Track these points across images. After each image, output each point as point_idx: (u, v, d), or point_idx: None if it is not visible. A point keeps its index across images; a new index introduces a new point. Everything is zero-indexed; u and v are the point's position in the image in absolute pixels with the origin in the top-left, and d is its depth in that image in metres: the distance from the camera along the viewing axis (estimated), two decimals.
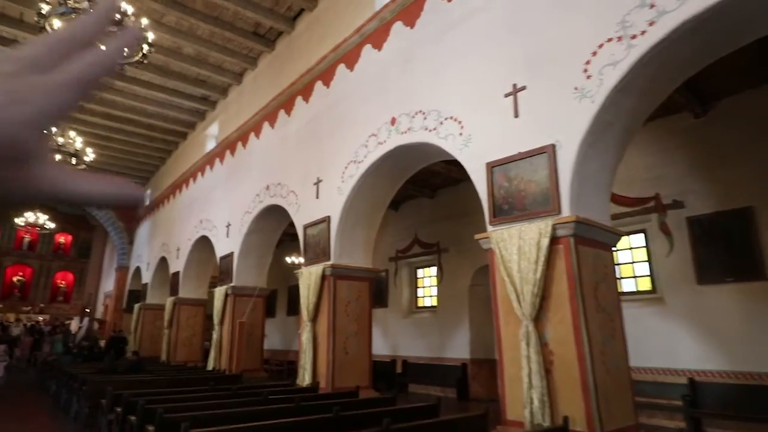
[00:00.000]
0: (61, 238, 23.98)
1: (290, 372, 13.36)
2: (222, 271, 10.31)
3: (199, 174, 12.82)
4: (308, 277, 7.08)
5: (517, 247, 4.26)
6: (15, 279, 22.79)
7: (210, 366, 9.75)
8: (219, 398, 5.25)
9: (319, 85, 7.99)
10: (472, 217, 9.72)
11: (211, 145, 12.28)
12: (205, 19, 9.04)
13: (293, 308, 16.04)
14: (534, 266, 4.12)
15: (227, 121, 11.59)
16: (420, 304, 12.01)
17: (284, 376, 12.49)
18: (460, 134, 5.11)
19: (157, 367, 10.34)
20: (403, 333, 11.65)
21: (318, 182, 7.43)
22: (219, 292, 10.01)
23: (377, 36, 6.74)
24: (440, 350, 10.57)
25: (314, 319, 6.91)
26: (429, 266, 11.83)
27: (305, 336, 6.89)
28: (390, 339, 11.92)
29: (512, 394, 4.23)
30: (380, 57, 6.67)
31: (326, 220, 7.03)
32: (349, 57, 7.26)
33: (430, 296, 11.77)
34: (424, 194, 11.34)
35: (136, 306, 15.46)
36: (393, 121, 6.13)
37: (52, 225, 15.65)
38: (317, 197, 7.41)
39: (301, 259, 7.63)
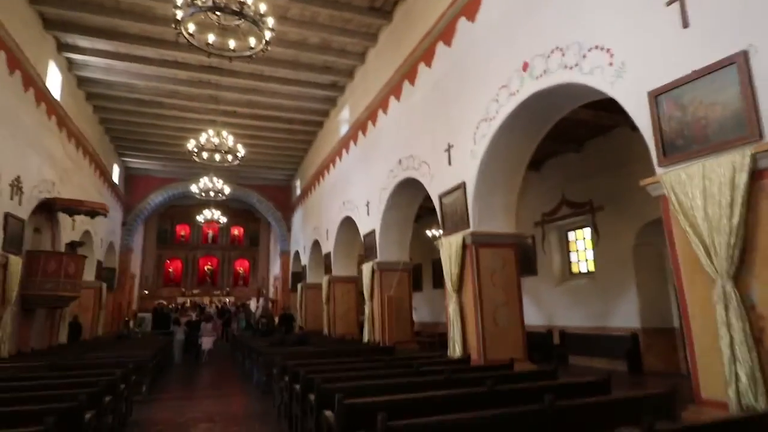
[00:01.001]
0: (235, 231, 27.59)
1: (441, 344, 13.42)
2: (367, 248, 10.68)
3: (337, 158, 13.42)
4: (449, 248, 6.84)
5: (701, 189, 3.42)
6: (206, 268, 26.98)
7: (365, 338, 10.23)
8: (373, 369, 5.35)
9: (440, 46, 7.57)
10: (631, 166, 8.46)
11: (344, 129, 12.72)
12: (324, 5, 9.22)
13: (439, 281, 16.07)
14: (728, 211, 3.26)
15: (356, 103, 11.84)
16: (574, 270, 10.97)
17: (435, 348, 12.60)
18: (610, 64, 4.28)
19: (320, 339, 11.22)
20: (558, 302, 10.80)
21: (449, 148, 7.09)
22: (366, 268, 10.39)
23: None
24: (602, 319, 9.53)
25: (459, 290, 6.67)
26: (581, 228, 10.71)
27: (452, 307, 6.70)
28: (543, 308, 11.15)
29: (708, 369, 3.46)
30: None
31: (461, 186, 6.67)
32: (469, 7, 6.69)
33: (585, 261, 10.66)
34: (568, 149, 10.21)
35: (299, 286, 17.06)
36: (525, 67, 5.47)
37: (224, 219, 17.95)
38: (450, 164, 7.08)
39: (441, 231, 7.43)
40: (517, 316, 6.44)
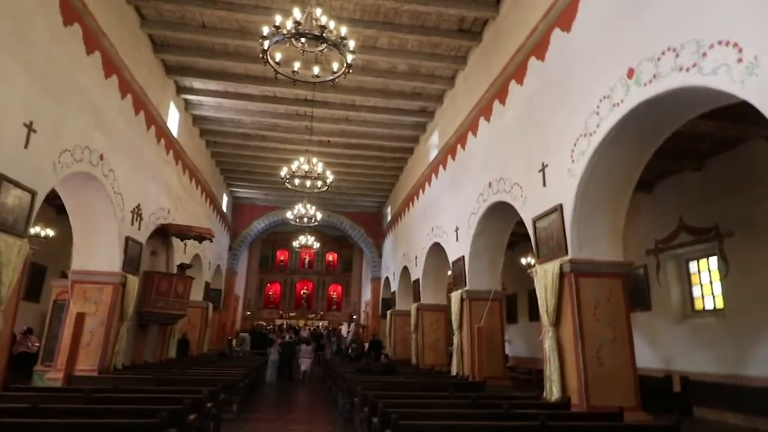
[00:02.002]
0: (330, 257, 28.52)
1: (539, 382, 12.35)
2: (455, 276, 10.25)
3: (426, 184, 13.27)
4: (543, 276, 6.24)
5: None
6: (302, 292, 28.09)
7: (453, 371, 9.69)
8: (457, 407, 4.94)
9: (532, 61, 7.15)
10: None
11: (433, 153, 12.58)
12: (412, 31, 9.28)
13: (535, 313, 14.96)
14: None
15: (445, 127, 11.67)
16: (698, 306, 9.51)
17: (532, 387, 11.60)
18: (739, 60, 3.62)
19: (407, 369, 10.88)
20: (678, 342, 9.40)
21: (543, 168, 6.56)
22: (455, 296, 9.95)
23: None
24: (736, 365, 8.07)
25: (557, 324, 6.02)
26: (705, 257, 9.32)
27: (548, 343, 6.05)
28: (660, 349, 9.78)
29: None
30: (604, 1, 5.48)
31: (557, 209, 6.09)
32: (564, 16, 6.24)
33: (712, 295, 9.19)
34: (686, 167, 9.03)
35: (388, 312, 16.94)
36: (630, 73, 4.88)
37: (317, 245, 18.58)
38: (544, 185, 6.54)
39: (535, 259, 6.84)
40: (626, 356, 5.61)
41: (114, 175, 8.31)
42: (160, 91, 10.59)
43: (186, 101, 12.47)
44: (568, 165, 5.94)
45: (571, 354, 5.70)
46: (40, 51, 5.96)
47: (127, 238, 8.99)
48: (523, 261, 13.77)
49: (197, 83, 11.66)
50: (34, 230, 11.77)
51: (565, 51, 6.27)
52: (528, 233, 7.08)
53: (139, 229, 9.61)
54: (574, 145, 5.84)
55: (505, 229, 9.18)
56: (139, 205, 9.58)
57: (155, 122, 10.29)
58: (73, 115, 6.85)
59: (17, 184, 5.53)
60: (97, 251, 8.58)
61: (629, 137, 5.35)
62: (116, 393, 5.03)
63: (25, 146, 5.72)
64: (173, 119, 11.70)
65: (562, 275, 5.94)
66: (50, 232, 12.37)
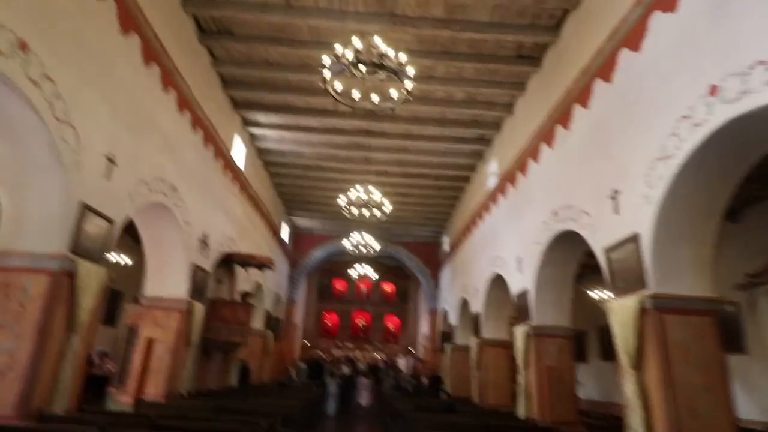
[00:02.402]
0: (387, 287, 28.36)
1: (615, 430, 11.30)
2: (519, 310, 9.73)
3: (485, 213, 12.92)
4: (620, 312, 5.73)
5: None
6: (359, 322, 28.01)
7: (520, 413, 9.06)
8: None
9: (598, 83, 6.82)
10: None
11: (492, 182, 12.28)
12: (469, 59, 9.23)
13: (608, 352, 13.87)
14: None
15: (504, 154, 11.39)
16: None
17: None
18: None
19: (468, 408, 10.33)
20: None
21: (615, 194, 6.13)
22: (519, 332, 9.41)
23: None
24: None
25: (638, 367, 5.45)
26: None
27: (630, 388, 5.47)
28: (758, 399, 8.66)
29: None
30: (676, 18, 5.14)
31: (633, 238, 5.62)
32: (632, 36, 5.93)
33: None
34: None
35: (447, 346, 16.38)
36: (713, 91, 4.48)
37: (375, 275, 18.50)
38: (616, 212, 6.09)
39: (608, 293, 6.33)
40: (724, 406, 4.94)
41: (184, 205, 8.74)
42: (227, 125, 11.18)
43: (251, 134, 13.07)
44: (644, 191, 5.50)
45: (659, 402, 5.10)
46: (122, 89, 6.46)
47: (195, 266, 9.35)
48: (593, 294, 12.91)
49: (262, 117, 12.22)
50: (112, 257, 12.62)
51: (635, 71, 5.92)
52: (598, 264, 6.59)
53: (205, 258, 9.99)
54: (650, 169, 5.41)
55: (573, 260, 8.64)
56: (206, 234, 9.99)
57: (223, 155, 10.82)
58: (149, 148, 7.32)
59: (98, 213, 5.91)
60: (167, 278, 8.97)
61: (714, 160, 4.88)
62: (179, 420, 5.09)
63: (106, 177, 6.13)
64: (239, 152, 12.28)
65: (642, 311, 5.42)
66: (127, 260, 13.18)
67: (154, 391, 8.14)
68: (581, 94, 7.31)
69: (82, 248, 5.60)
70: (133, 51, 6.75)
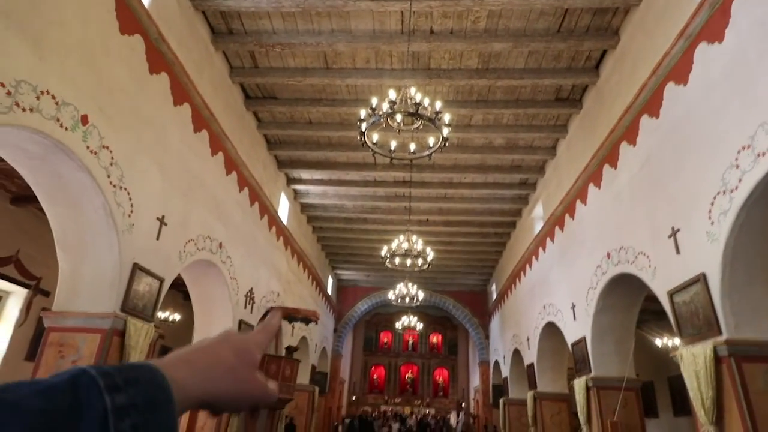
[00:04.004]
0: (434, 338, 27.48)
1: None
2: (577, 360, 9.07)
3: (534, 258, 12.45)
4: (692, 362, 5.19)
5: None
6: (407, 376, 27.04)
7: None
8: None
9: (644, 119, 6.60)
10: None
11: (538, 226, 11.90)
12: (507, 105, 9.24)
13: (681, 406, 12.62)
14: None
15: (549, 197, 11.08)
16: None
17: None
18: None
19: None
20: None
21: (674, 233, 5.73)
22: (578, 384, 8.72)
23: (713, 25, 5.11)
24: None
25: (719, 422, 4.85)
26: None
27: None
28: None
29: None
30: (724, 47, 4.95)
31: (699, 279, 5.17)
32: (678, 70, 5.75)
33: None
34: None
35: (501, 401, 15.42)
36: None
37: (420, 325, 18.00)
38: (678, 252, 5.67)
39: (676, 340, 5.79)
40: None
41: (230, 261, 8.94)
42: (272, 183, 11.57)
43: (295, 191, 13.45)
44: (707, 227, 5.11)
45: None
46: (173, 155, 6.84)
47: (241, 321, 9.41)
48: (658, 342, 11.93)
49: (304, 174, 12.59)
50: (163, 314, 12.97)
51: (683, 104, 5.69)
52: (657, 309, 6.09)
53: (251, 312, 10.05)
54: (712, 204, 5.05)
55: (633, 305, 8.06)
56: (251, 289, 10.11)
57: (268, 211, 11.12)
58: (197, 208, 7.62)
59: (148, 272, 6.11)
60: (215, 334, 9.02)
61: None
62: None
63: (157, 238, 6.38)
64: (283, 208, 12.60)
65: (717, 360, 4.88)
66: (177, 317, 13.50)
67: None
68: (627, 132, 7.08)
69: (132, 307, 5.75)
70: (185, 119, 7.20)
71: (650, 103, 6.41)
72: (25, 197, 8.58)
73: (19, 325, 9.30)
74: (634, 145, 6.90)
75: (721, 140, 4.93)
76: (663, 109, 6.13)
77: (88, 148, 5.07)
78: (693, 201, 5.39)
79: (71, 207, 5.41)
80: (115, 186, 5.51)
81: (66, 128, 4.75)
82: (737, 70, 4.76)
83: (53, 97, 4.58)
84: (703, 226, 5.16)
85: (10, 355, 9.15)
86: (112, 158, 5.46)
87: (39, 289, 9.46)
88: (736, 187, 4.66)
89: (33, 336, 9.17)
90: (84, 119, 4.98)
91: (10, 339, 9.26)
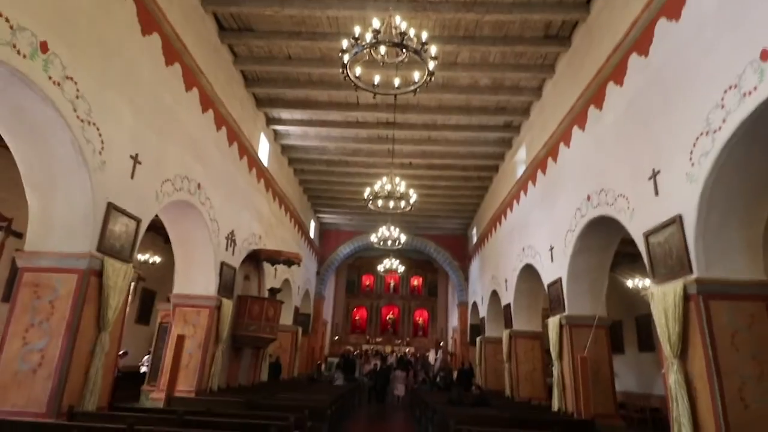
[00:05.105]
0: (415, 281, 28.15)
1: (655, 423, 10.89)
2: (552, 300, 9.40)
3: (515, 202, 12.56)
4: (662, 299, 5.39)
5: None
6: (388, 317, 27.89)
7: (555, 406, 8.77)
8: None
9: (633, 58, 6.44)
10: None
11: (521, 170, 11.91)
12: (494, 42, 8.92)
13: (645, 342, 13.37)
14: None
15: (533, 140, 11.01)
16: None
17: (647, 428, 10.18)
18: None
19: (500, 401, 10.08)
20: None
21: (654, 175, 5.77)
22: (552, 322, 9.09)
23: None
24: None
25: (682, 355, 5.13)
26: None
27: (672, 378, 5.16)
28: None
29: None
30: None
31: (675, 220, 5.27)
32: (671, 4, 5.55)
33: None
34: None
35: (478, 339, 16.10)
36: (765, 55, 4.11)
37: (402, 268, 18.34)
38: (656, 194, 5.73)
39: (646, 281, 5.98)
40: None
41: (210, 203, 8.77)
42: (251, 123, 11.19)
43: (275, 131, 13.08)
44: (687, 169, 5.14)
45: (705, 393, 4.78)
46: (144, 89, 6.48)
47: (222, 263, 9.40)
48: (629, 284, 12.41)
49: (284, 113, 12.19)
50: (144, 257, 12.87)
51: (674, 42, 5.54)
52: (632, 252, 6.24)
53: (233, 255, 10.03)
54: (694, 145, 5.04)
55: (609, 247, 8.27)
56: (233, 231, 10.03)
57: (247, 152, 10.83)
58: (173, 147, 7.34)
59: (124, 212, 5.95)
60: (195, 276, 9.04)
61: (766, 131, 4.50)
62: (208, 416, 5.06)
63: (131, 177, 6.17)
64: (263, 149, 12.29)
65: (686, 298, 5.08)
66: (158, 259, 13.43)
67: (185, 387, 8.23)
68: (615, 71, 6.94)
69: (109, 247, 5.64)
70: (154, 51, 6.76)
71: (640, 40, 6.23)
72: None
73: None
74: (621, 85, 6.78)
75: (708, 80, 4.85)
76: (653, 47, 5.98)
77: (50, 78, 4.73)
78: (675, 142, 5.38)
79: (37, 142, 5.14)
80: (82, 120, 5.22)
81: (24, 55, 4.40)
82: (731, 5, 4.60)
83: (7, 20, 4.20)
84: (684, 167, 5.19)
85: None
86: (78, 90, 5.13)
87: (11, 230, 9.22)
88: (720, 128, 4.64)
89: (8, 277, 9.03)
90: (43, 46, 4.62)
91: None
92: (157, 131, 6.84)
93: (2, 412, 4.69)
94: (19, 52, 4.33)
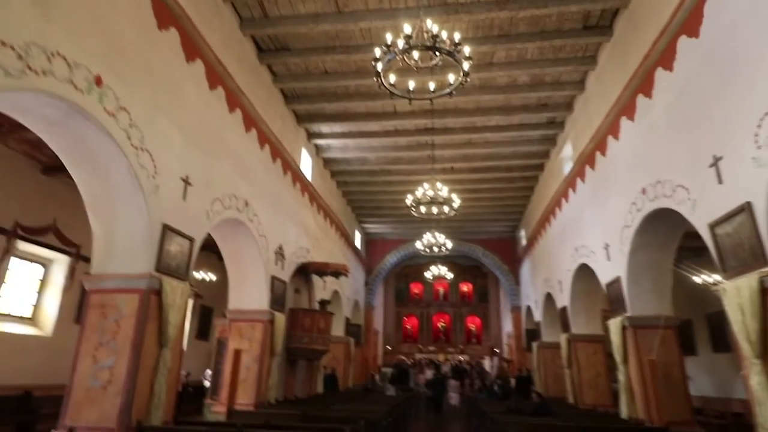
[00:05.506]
0: (465, 287, 27.68)
1: (739, 429, 10.03)
2: (612, 301, 8.93)
3: (563, 200, 12.12)
4: (737, 294, 4.98)
5: None
6: (439, 325, 27.55)
7: (623, 414, 8.28)
8: None
9: (683, 40, 6.08)
10: None
11: (568, 167, 11.49)
12: (531, 38, 8.69)
13: (720, 342, 12.45)
14: None
15: (578, 136, 10.61)
16: None
17: None
18: None
19: (563, 409, 9.65)
20: None
21: (716, 161, 5.38)
22: (614, 325, 8.63)
23: None
24: None
25: (764, 355, 4.70)
26: None
27: (755, 380, 4.74)
28: None
29: None
30: None
31: (744, 208, 4.88)
32: None
33: None
34: None
35: (534, 345, 15.57)
36: None
37: (450, 275, 18.10)
38: (720, 182, 5.34)
39: (715, 276, 5.56)
40: None
41: (258, 219, 9.02)
42: (293, 139, 11.46)
43: (316, 146, 13.32)
44: (753, 153, 4.75)
45: None
46: (191, 114, 6.77)
47: (273, 277, 9.61)
48: (698, 279, 11.63)
49: (324, 127, 12.40)
50: (200, 275, 13.40)
51: (727, 19, 5.18)
52: (697, 246, 5.83)
53: (282, 269, 10.24)
54: (758, 126, 4.66)
55: (671, 242, 7.78)
56: (281, 246, 10.25)
57: (290, 168, 11.09)
58: (220, 167, 7.62)
59: (178, 233, 6.20)
60: (248, 291, 9.29)
61: None
62: (266, 429, 5.14)
63: (183, 198, 6.44)
64: (306, 164, 12.54)
65: (764, 291, 4.67)
66: (213, 277, 13.94)
67: (244, 400, 8.42)
68: (663, 57, 6.57)
69: (166, 267, 5.89)
70: (199, 76, 7.07)
71: (689, 21, 5.88)
72: (56, 167, 8.75)
73: (66, 290, 9.77)
74: (671, 70, 6.41)
75: None
76: (703, 27, 5.62)
77: (105, 110, 5.03)
78: (737, 125, 5.00)
79: (96, 171, 5.46)
80: (136, 148, 5.51)
81: (81, 90, 4.71)
82: None
83: (64, 58, 4.51)
84: (749, 151, 4.80)
85: (62, 319, 9.69)
86: (131, 119, 5.42)
87: (80, 255, 9.84)
88: None
89: (80, 300, 9.63)
90: (98, 80, 4.92)
91: (60, 304, 9.77)
92: (204, 153, 7.12)
93: (78, 428, 4.97)
94: (76, 88, 4.64)
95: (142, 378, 5.33)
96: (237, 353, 8.62)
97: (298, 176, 11.63)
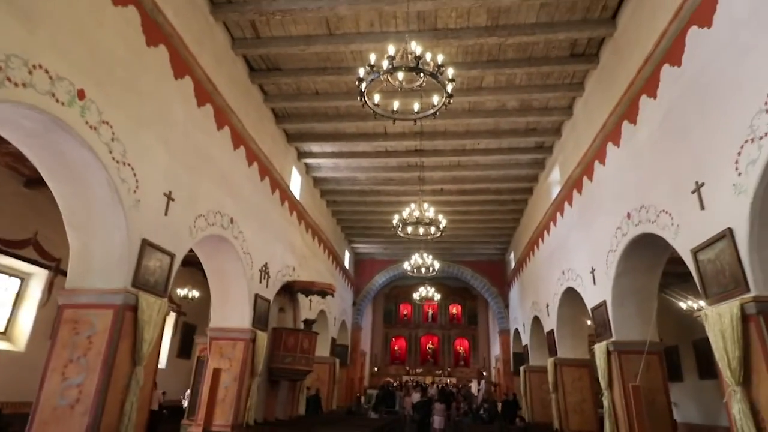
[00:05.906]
0: (454, 309, 27.51)
1: None
2: (597, 325, 8.89)
3: (551, 224, 12.17)
4: (717, 321, 4.96)
5: None
6: (428, 347, 27.25)
7: None
8: None
9: (666, 69, 6.20)
10: None
11: (556, 190, 11.57)
12: (519, 64, 8.83)
13: (706, 369, 12.39)
14: None
15: (566, 160, 10.71)
16: None
17: None
18: None
19: None
20: None
21: (698, 188, 5.42)
22: (599, 349, 8.56)
23: None
24: None
25: (746, 383, 4.66)
26: None
27: (735, 408, 4.68)
28: None
29: None
30: None
31: (725, 234, 4.90)
32: (701, 11, 5.34)
33: None
34: None
35: (521, 368, 15.41)
36: None
37: (438, 296, 17.98)
38: (702, 208, 5.37)
39: (700, 302, 5.55)
40: None
41: (243, 236, 8.92)
42: (282, 158, 11.45)
43: (307, 165, 13.32)
44: (734, 179, 4.80)
45: None
46: (177, 130, 6.74)
47: (256, 296, 9.46)
48: (683, 305, 11.64)
49: (315, 147, 12.42)
50: (183, 292, 13.17)
51: (708, 49, 5.30)
52: (684, 271, 5.83)
53: (266, 287, 10.10)
54: (739, 154, 4.72)
55: (655, 267, 7.79)
56: (266, 264, 10.13)
57: (279, 186, 11.04)
58: (205, 183, 7.56)
59: (158, 248, 6.10)
60: (230, 309, 9.13)
61: None
62: None
63: (165, 213, 6.35)
64: (296, 183, 12.51)
65: (744, 318, 4.65)
66: (197, 294, 13.72)
67: (221, 421, 8.18)
68: (647, 84, 6.69)
69: (143, 282, 5.77)
70: (187, 93, 7.06)
71: (672, 50, 6.01)
72: (39, 180, 8.60)
73: (42, 305, 9.53)
74: (655, 97, 6.52)
75: (749, 83, 4.58)
76: (685, 56, 5.74)
77: (87, 123, 4.99)
78: (718, 152, 5.06)
79: (76, 184, 5.38)
80: (118, 162, 5.44)
81: (62, 103, 4.66)
82: (763, 5, 4.36)
83: (46, 71, 4.48)
84: (730, 178, 4.85)
85: (36, 334, 9.43)
86: (113, 133, 5.37)
87: (59, 269, 9.65)
88: (766, 133, 4.33)
89: (56, 316, 9.38)
90: (80, 94, 4.89)
91: (35, 319, 9.52)
92: (189, 169, 7.07)
93: None
94: (57, 101, 4.59)
95: (112, 397, 5.15)
96: (216, 372, 8.41)
97: (286, 195, 11.58)
